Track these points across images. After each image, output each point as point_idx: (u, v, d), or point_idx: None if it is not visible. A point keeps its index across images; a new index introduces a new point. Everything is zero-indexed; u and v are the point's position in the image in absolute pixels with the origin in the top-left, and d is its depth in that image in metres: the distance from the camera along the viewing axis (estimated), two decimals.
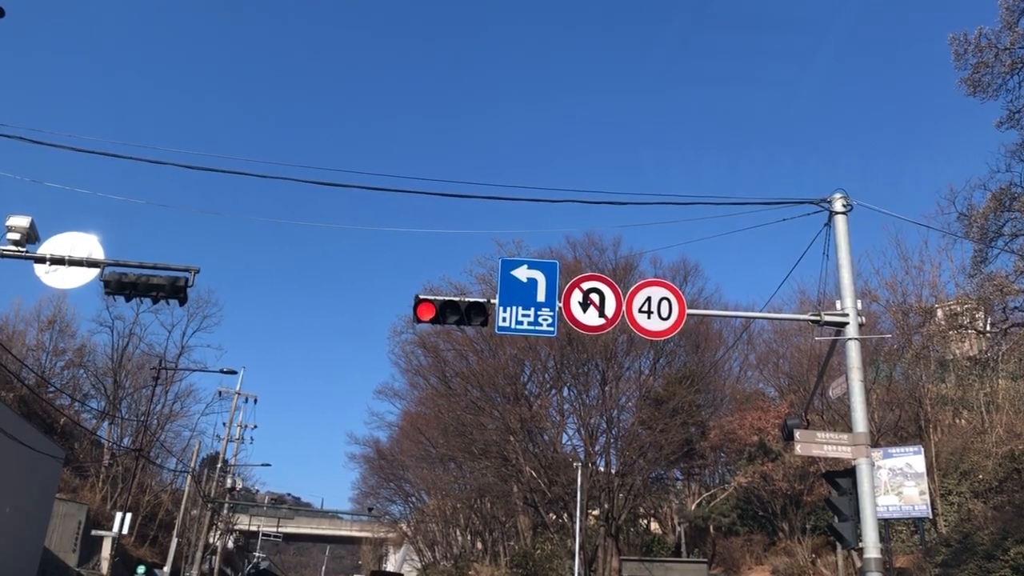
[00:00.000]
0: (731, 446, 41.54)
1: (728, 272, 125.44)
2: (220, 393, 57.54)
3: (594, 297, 13.95)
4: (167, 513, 61.21)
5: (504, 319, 13.80)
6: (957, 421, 32.98)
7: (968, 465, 28.63)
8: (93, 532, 41.40)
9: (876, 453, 19.24)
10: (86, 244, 14.58)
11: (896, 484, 24.28)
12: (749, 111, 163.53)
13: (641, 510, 48.77)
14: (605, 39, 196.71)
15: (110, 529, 39.02)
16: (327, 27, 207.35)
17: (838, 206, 14.03)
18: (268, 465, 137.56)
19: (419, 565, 74.99)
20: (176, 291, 14.50)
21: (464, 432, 46.44)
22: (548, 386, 46.92)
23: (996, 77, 18.14)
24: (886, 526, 25.23)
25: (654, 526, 51.36)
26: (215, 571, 66.94)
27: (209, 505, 57.35)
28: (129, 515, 38.51)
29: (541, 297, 13.88)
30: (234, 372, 51.57)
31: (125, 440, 58.63)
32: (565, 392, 46.40)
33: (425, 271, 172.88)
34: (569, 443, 45.83)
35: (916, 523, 27.36)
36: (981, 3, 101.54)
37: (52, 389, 54.42)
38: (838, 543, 25.76)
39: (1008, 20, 17.67)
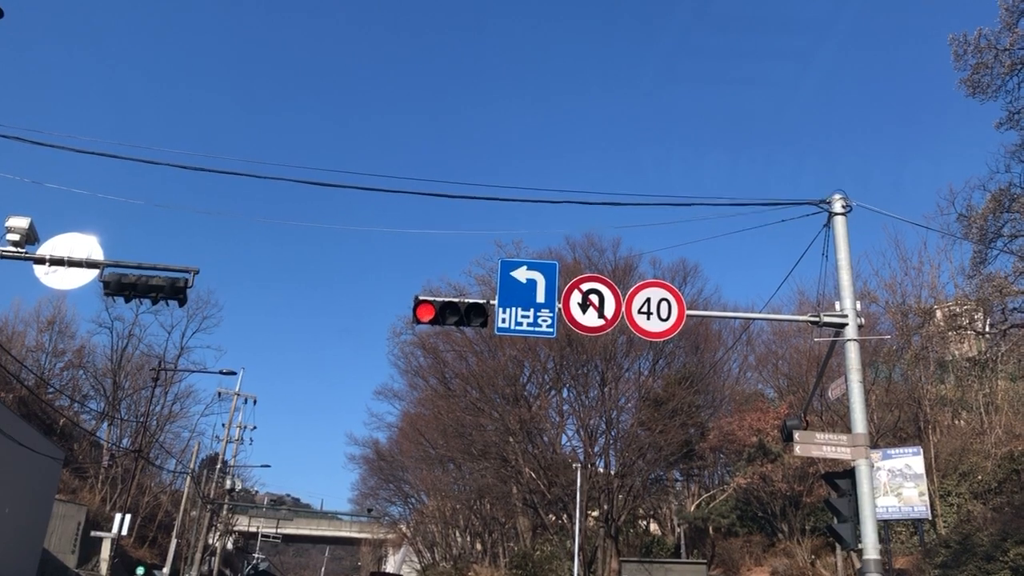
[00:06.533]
0: (730, 447, 41.51)
1: (728, 273, 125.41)
2: (220, 394, 57.61)
3: (593, 298, 13.95)
4: (166, 514, 61.18)
5: (503, 320, 13.80)
6: (956, 422, 32.99)
7: (967, 466, 28.63)
8: (92, 533, 41.34)
9: (875, 454, 19.26)
10: (86, 245, 14.57)
11: (895, 485, 24.32)
12: (749, 111, 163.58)
13: (640, 511, 48.74)
14: (605, 38, 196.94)
15: (109, 530, 38.97)
16: (325, 26, 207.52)
17: (837, 207, 14.03)
18: (267, 466, 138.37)
19: (418, 566, 74.89)
20: (176, 292, 14.50)
21: (463, 433, 46.44)
22: (548, 387, 46.93)
23: (996, 78, 18.18)
24: (885, 527, 25.25)
25: (653, 527, 51.32)
26: (214, 572, 66.92)
27: (208, 506, 57.32)
28: (128, 516, 38.45)
29: (540, 298, 13.88)
30: (233, 373, 51.57)
31: (124, 441, 58.76)
32: (564, 393, 46.45)
33: (424, 272, 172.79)
34: (568, 444, 45.89)
35: (915, 524, 27.38)
36: (981, 3, 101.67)
37: (51, 390, 54.47)
38: (837, 544, 25.79)
39: (1008, 21, 17.70)
